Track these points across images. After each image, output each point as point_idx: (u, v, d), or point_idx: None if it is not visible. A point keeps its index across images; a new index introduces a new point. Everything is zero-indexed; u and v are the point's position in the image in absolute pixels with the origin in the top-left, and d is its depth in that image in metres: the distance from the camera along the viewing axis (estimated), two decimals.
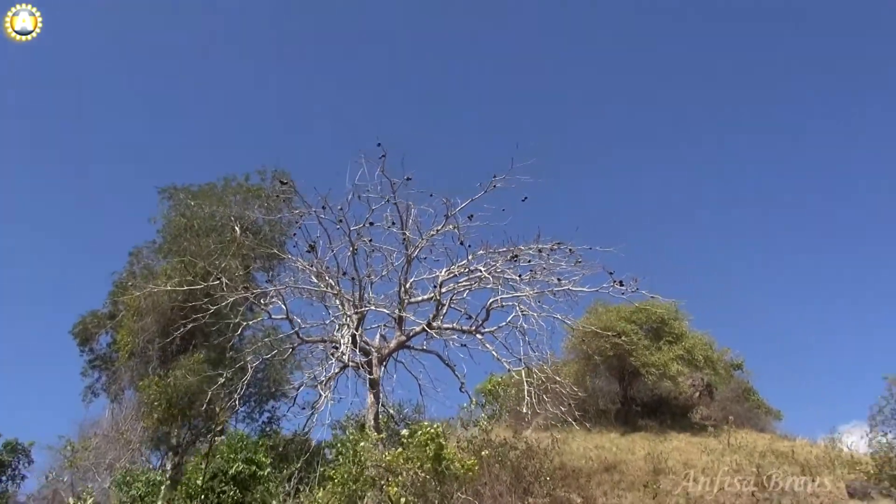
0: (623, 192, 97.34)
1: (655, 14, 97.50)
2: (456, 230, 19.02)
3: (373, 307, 19.46)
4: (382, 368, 18.98)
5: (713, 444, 23.25)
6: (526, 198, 18.55)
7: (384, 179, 18.43)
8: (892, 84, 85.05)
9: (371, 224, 19.10)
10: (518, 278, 18.59)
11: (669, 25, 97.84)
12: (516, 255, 18.95)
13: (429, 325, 18.80)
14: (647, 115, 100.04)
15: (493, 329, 18.82)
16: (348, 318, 18.95)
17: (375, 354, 18.85)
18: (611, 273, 18.21)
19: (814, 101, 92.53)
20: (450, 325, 19.31)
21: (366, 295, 19.35)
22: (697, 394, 27.94)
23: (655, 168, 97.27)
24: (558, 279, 18.64)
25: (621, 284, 18.20)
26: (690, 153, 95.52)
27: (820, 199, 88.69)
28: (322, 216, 18.71)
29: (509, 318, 18.57)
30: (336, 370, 18.90)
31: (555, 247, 18.92)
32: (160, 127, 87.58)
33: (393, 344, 19.42)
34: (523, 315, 18.05)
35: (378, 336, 20.11)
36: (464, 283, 19.57)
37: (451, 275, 19.42)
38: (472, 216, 18.85)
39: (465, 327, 19.05)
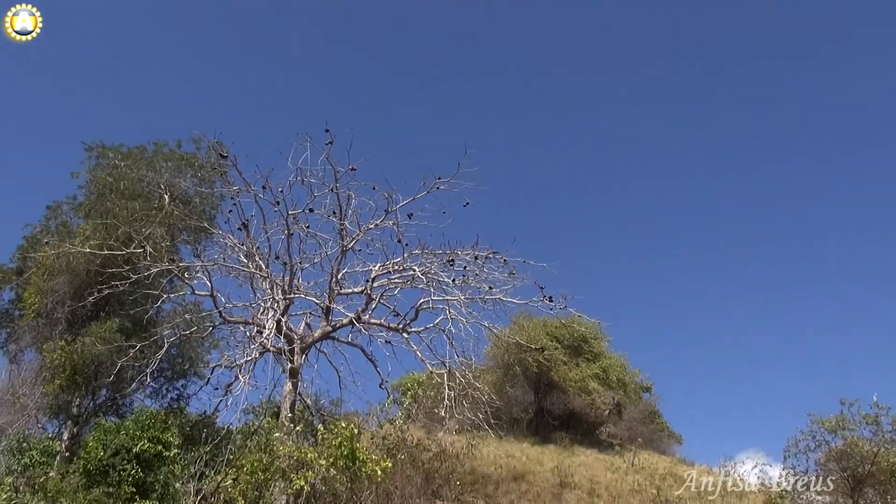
0: (563, 210, 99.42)
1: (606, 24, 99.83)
2: (395, 227, 19.05)
3: (302, 294, 19.17)
4: (304, 357, 18.74)
5: (618, 463, 24.09)
6: (468, 203, 18.70)
7: (328, 166, 18.31)
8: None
9: (311, 211, 18.90)
10: (451, 282, 18.81)
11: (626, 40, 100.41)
12: (453, 260, 19.06)
13: (357, 318, 18.66)
14: (596, 145, 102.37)
15: (419, 329, 18.99)
16: (275, 303, 18.71)
17: (298, 342, 18.56)
18: (542, 288, 18.65)
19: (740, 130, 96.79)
20: (377, 321, 19.24)
21: (295, 281, 19.01)
22: (607, 412, 28.87)
23: (599, 191, 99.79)
24: (490, 287, 18.93)
25: (550, 300, 18.64)
26: (630, 181, 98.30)
27: (743, 234, 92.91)
28: (260, 196, 18.35)
29: (437, 321, 18.84)
30: (256, 354, 18.60)
31: (490, 255, 19.11)
32: (87, 82, 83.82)
33: (318, 333, 19.19)
34: (452, 319, 18.36)
35: (303, 324, 19.84)
36: (396, 281, 19.57)
37: (385, 271, 19.42)
38: (411, 214, 18.91)
39: (392, 325, 19.08)
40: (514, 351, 25.15)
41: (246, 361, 18.34)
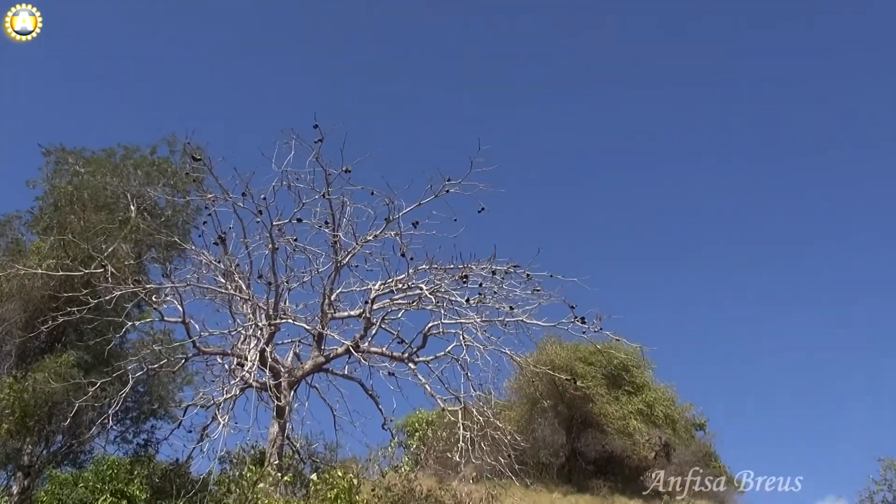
0: (595, 217, 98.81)
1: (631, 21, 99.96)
2: (397, 238, 18.93)
3: (289, 319, 19.09)
4: (292, 394, 18.60)
5: None
6: (483, 208, 18.49)
7: (318, 169, 18.17)
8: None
9: (299, 220, 18.78)
10: (465, 302, 18.60)
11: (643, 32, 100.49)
12: (466, 276, 18.87)
13: (354, 346, 18.49)
14: (631, 144, 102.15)
15: (428, 359, 18.78)
16: (258, 330, 18.56)
17: (286, 376, 18.44)
18: (572, 307, 18.26)
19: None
20: (378, 350, 19.12)
21: (282, 304, 18.91)
22: (654, 454, 28.39)
23: (639, 195, 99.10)
24: (511, 307, 18.64)
25: (583, 321, 18.22)
26: (670, 178, 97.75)
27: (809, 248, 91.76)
28: (239, 204, 18.18)
29: (449, 348, 18.57)
30: (237, 391, 18.41)
31: (510, 269, 18.88)
32: (47, 81, 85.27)
33: (308, 365, 19.00)
34: (466, 346, 18.07)
35: (291, 354, 19.70)
36: (400, 301, 19.40)
37: (387, 290, 19.24)
38: (417, 223, 18.76)
39: (395, 353, 18.94)
40: (541, 383, 24.98)
41: (225, 399, 18.09)
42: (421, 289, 18.74)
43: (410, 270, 19.02)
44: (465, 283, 18.93)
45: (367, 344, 18.81)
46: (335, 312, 19.28)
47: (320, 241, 19.45)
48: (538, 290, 18.69)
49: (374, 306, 18.88)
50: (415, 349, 18.68)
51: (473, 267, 18.92)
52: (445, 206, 18.69)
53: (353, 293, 19.91)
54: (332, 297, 19.02)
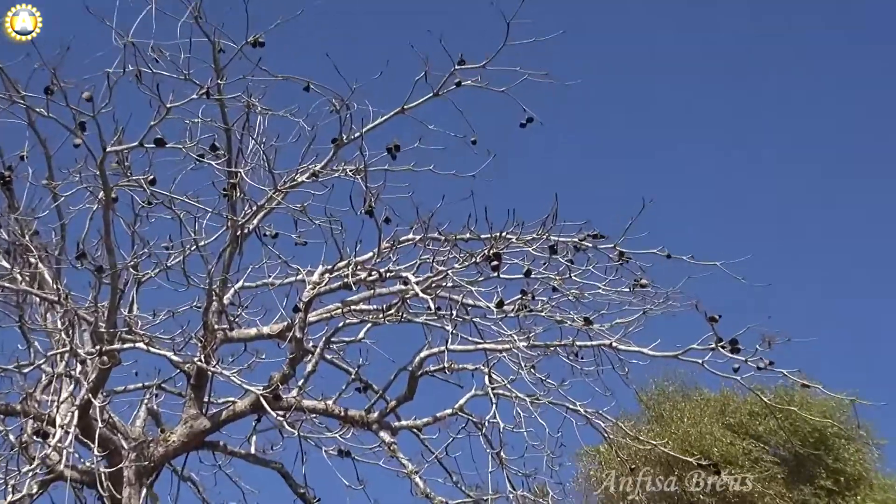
0: (745, 138, 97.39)
1: None
2: (358, 178, 16.31)
3: (140, 342, 16.30)
4: (144, 493, 16.16)
5: None
6: (530, 119, 16.49)
7: (200, 40, 15.62)
8: None
9: (159, 144, 16.47)
10: (494, 309, 16.09)
11: None
12: (497, 256, 16.31)
13: (272, 395, 15.75)
14: None
15: (419, 423, 16.68)
16: (77, 364, 16.13)
17: (132, 458, 15.91)
18: (713, 320, 15.70)
19: None
20: (319, 404, 16.65)
21: (124, 311, 16.40)
22: None
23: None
24: (586, 320, 16.23)
25: (734, 349, 15.64)
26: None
27: None
28: (40, 111, 15.37)
29: (463, 401, 16.72)
30: (35, 487, 16.00)
31: (583, 241, 16.65)
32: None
33: (177, 435, 16.35)
34: (497, 396, 16.25)
35: (143, 412, 17.23)
36: (362, 308, 17.01)
37: (336, 283, 16.49)
38: (397, 148, 16.36)
39: (353, 412, 16.47)
40: (650, 471, 24.11)
41: (11, 502, 16.36)
42: (406, 281, 16.27)
43: (385, 244, 16.52)
44: (494, 270, 16.46)
45: (296, 392, 16.46)
46: (231, 329, 16.82)
47: (202, 184, 17.03)
48: (641, 285, 16.65)
49: (312, 316, 16.59)
50: (391, 404, 16.42)
51: (514, 238, 16.72)
52: (454, 114, 16.28)
53: (266, 290, 17.73)
54: (226, 297, 16.62)
